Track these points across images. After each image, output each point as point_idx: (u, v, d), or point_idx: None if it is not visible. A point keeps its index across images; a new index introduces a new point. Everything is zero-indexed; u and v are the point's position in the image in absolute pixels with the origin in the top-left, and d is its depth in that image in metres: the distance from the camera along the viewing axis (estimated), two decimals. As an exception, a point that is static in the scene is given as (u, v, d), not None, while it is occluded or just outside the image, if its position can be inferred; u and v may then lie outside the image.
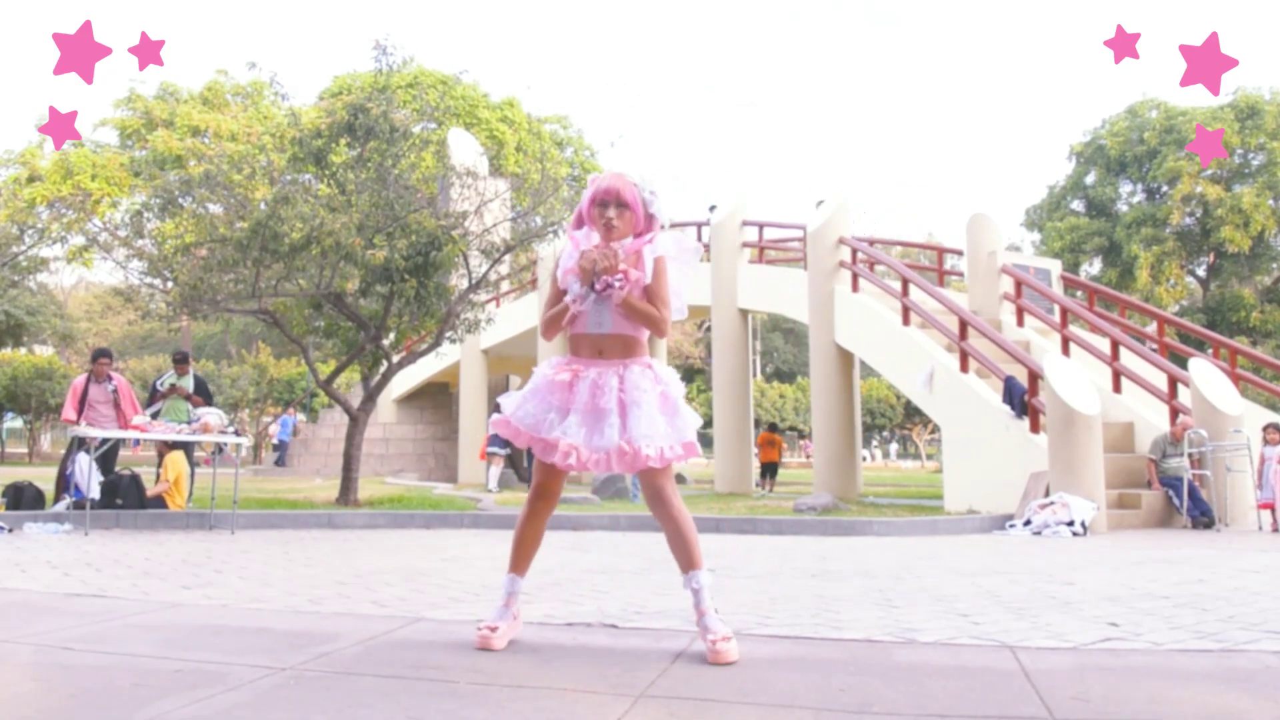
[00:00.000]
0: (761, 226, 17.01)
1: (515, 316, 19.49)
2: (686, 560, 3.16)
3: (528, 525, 3.28)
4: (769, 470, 18.41)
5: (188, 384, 10.32)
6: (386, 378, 11.41)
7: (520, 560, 3.29)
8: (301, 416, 35.29)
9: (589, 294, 3.12)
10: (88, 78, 6.10)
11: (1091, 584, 5.16)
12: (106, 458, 9.25)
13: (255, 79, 29.07)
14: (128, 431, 9.12)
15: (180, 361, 10.49)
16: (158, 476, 9.69)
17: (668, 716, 2.41)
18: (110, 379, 9.53)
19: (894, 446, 52.56)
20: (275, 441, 25.24)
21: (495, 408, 11.19)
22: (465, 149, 18.38)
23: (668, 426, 3.07)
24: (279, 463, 24.14)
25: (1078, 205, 33.82)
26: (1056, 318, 13.17)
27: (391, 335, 11.56)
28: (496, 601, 3.33)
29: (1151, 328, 14.01)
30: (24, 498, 9.03)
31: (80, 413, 9.30)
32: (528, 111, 33.67)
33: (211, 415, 9.06)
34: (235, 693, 2.57)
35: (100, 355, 9.71)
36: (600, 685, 2.72)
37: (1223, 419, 10.23)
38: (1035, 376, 10.43)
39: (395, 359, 11.35)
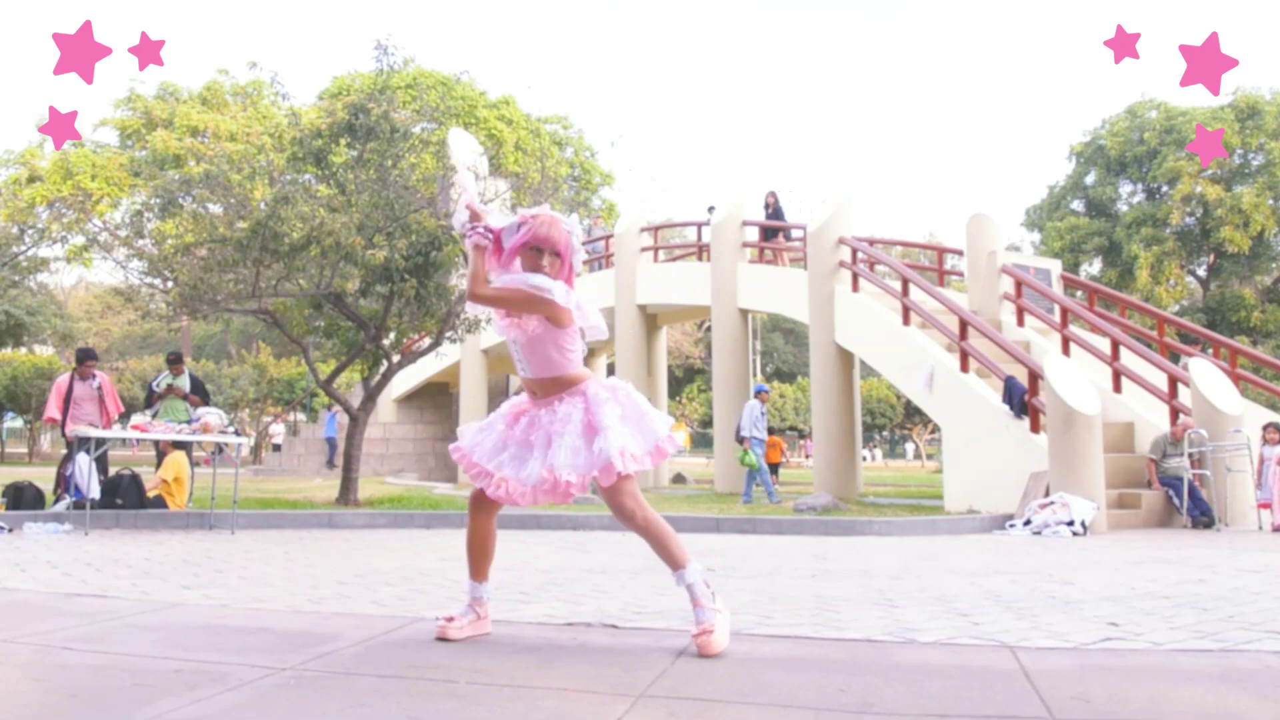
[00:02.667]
0: (762, 226, 17.01)
1: (515, 316, 19.46)
2: (670, 561, 3.21)
3: (475, 530, 3.41)
4: (772, 470, 18.49)
5: (184, 384, 10.32)
6: (386, 378, 11.41)
7: (478, 567, 3.42)
8: (302, 416, 35.30)
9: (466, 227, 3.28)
10: (88, 78, 6.11)
11: (1091, 584, 5.16)
12: (100, 456, 9.26)
13: (255, 79, 29.09)
14: (126, 431, 9.12)
15: (174, 362, 10.50)
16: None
17: (668, 716, 2.41)
18: (94, 376, 9.55)
19: (910, 447, 51.72)
20: (324, 439, 23.94)
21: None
22: (465, 149, 18.39)
23: (588, 451, 3.14)
24: (331, 464, 23.09)
25: (1078, 205, 33.80)
26: (1056, 318, 13.17)
27: (391, 335, 11.56)
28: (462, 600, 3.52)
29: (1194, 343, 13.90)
30: (24, 498, 9.03)
31: (65, 412, 9.30)
32: (526, 111, 33.65)
33: (211, 415, 9.06)
34: (235, 693, 2.57)
35: (87, 357, 9.73)
36: (600, 685, 2.72)
37: (1223, 419, 10.23)
38: (1035, 376, 10.43)
39: (395, 359, 11.35)
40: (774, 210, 17.30)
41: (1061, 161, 50.45)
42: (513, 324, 3.22)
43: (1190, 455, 10.08)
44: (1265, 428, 10.53)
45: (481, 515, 3.39)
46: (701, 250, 17.59)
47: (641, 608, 4.19)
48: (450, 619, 3.33)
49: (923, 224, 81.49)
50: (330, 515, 9.35)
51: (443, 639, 3.28)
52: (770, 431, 21.07)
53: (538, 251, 3.19)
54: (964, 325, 11.70)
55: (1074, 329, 13.27)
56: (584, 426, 3.17)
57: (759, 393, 13.78)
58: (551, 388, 3.25)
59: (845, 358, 14.09)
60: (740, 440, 13.17)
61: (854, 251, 13.89)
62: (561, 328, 3.19)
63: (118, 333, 44.79)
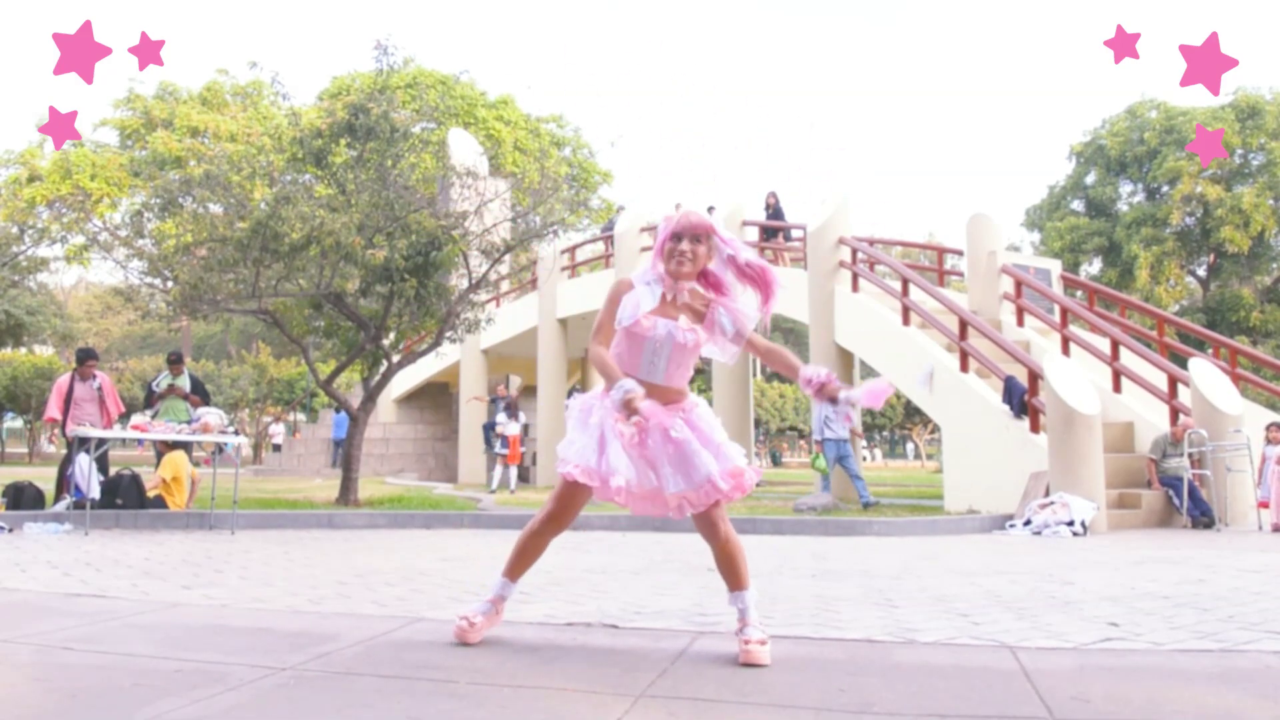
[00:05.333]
0: (762, 226, 17.01)
1: (515, 316, 19.48)
2: (734, 581, 3.20)
3: (536, 540, 3.32)
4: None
5: (184, 384, 10.32)
6: (386, 378, 11.41)
7: (518, 568, 3.35)
8: (302, 416, 35.29)
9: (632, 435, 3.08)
10: (88, 78, 6.11)
11: (1091, 584, 5.16)
12: (100, 456, 9.25)
13: (255, 79, 29.11)
14: (126, 432, 9.12)
15: (175, 362, 10.50)
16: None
17: (668, 716, 2.41)
18: (95, 377, 9.54)
19: (910, 447, 51.42)
20: (332, 439, 23.54)
21: (509, 407, 11.14)
22: (465, 149, 18.39)
23: (738, 453, 3.18)
24: (336, 464, 22.75)
25: (1078, 205, 33.79)
26: (1056, 318, 13.17)
27: (391, 335, 11.56)
28: (483, 596, 3.39)
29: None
30: (24, 498, 9.03)
31: (66, 412, 9.30)
32: (525, 111, 33.65)
33: (211, 415, 9.05)
34: (235, 693, 2.57)
35: (87, 357, 9.72)
36: (600, 685, 2.72)
37: (1223, 419, 10.23)
38: (1035, 376, 10.43)
39: (395, 359, 11.35)
40: (774, 210, 17.30)
41: (1061, 161, 50.50)
42: (702, 340, 3.21)
43: (1190, 455, 10.08)
44: (1268, 427, 10.54)
45: (558, 529, 3.31)
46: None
47: (641, 608, 4.19)
48: (473, 622, 3.25)
49: (923, 224, 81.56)
50: (330, 515, 9.35)
51: (462, 642, 3.21)
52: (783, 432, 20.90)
53: (677, 239, 3.16)
54: (964, 325, 11.70)
55: (1074, 329, 13.26)
56: (720, 430, 3.23)
57: None
58: (677, 395, 3.21)
59: (845, 358, 14.08)
60: (815, 444, 12.40)
61: (854, 251, 13.89)
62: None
63: (118, 333, 44.81)
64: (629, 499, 3.10)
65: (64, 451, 9.72)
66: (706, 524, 3.15)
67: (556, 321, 18.65)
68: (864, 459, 37.89)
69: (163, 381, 10.35)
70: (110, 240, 11.50)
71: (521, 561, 3.34)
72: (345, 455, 11.11)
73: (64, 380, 9.55)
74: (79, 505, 8.28)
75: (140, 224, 10.77)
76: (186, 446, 9.75)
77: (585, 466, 3.04)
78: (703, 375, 39.42)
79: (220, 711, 2.39)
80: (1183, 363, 11.45)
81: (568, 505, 3.21)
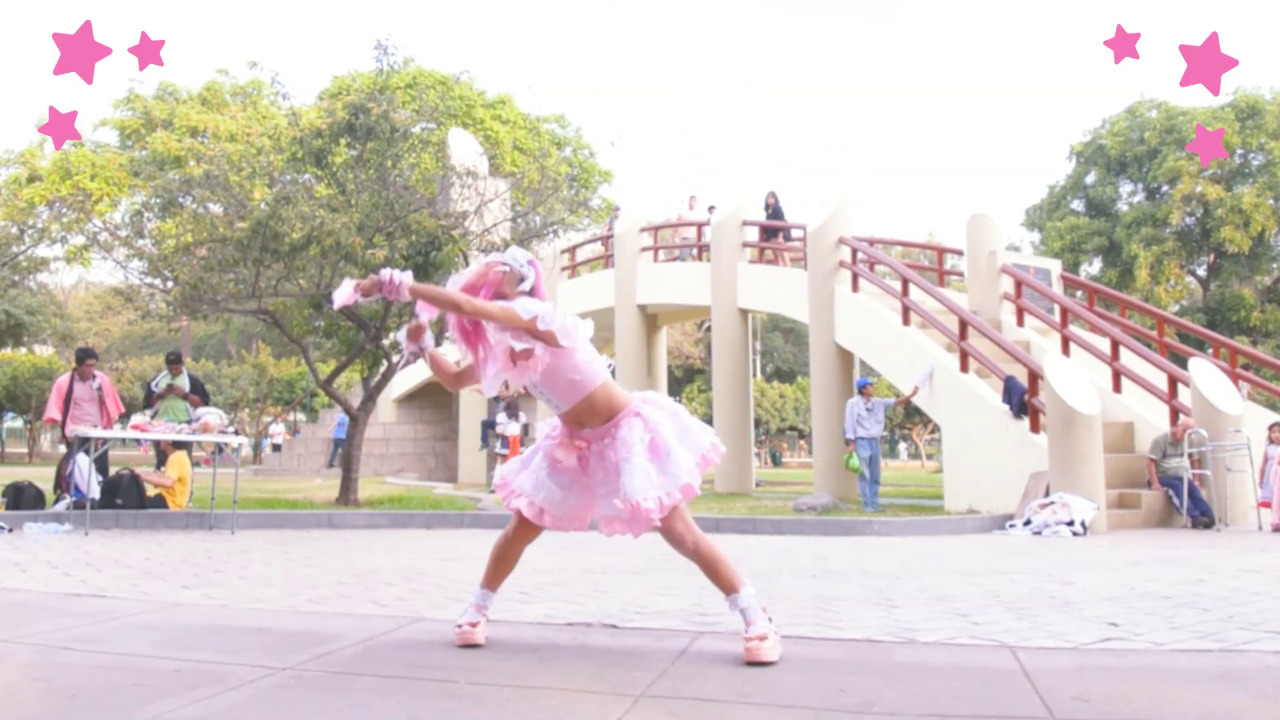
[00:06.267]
0: (762, 226, 17.01)
1: (515, 316, 19.42)
2: (722, 586, 3.20)
3: (510, 548, 3.37)
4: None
5: (183, 384, 10.32)
6: (386, 378, 11.41)
7: (496, 577, 3.39)
8: (302, 416, 35.29)
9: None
10: (88, 78, 6.12)
11: (1091, 584, 5.16)
12: (100, 456, 9.26)
13: (255, 79, 29.09)
14: (126, 431, 9.12)
15: (174, 362, 10.51)
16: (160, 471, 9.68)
17: (668, 716, 2.41)
18: (94, 377, 9.55)
19: (903, 447, 51.29)
20: (332, 439, 23.44)
21: (509, 407, 11.22)
22: (465, 149, 18.38)
23: (660, 474, 3.07)
24: (334, 464, 22.77)
25: (1078, 205, 33.77)
26: (1056, 318, 13.17)
27: (391, 335, 11.57)
28: (467, 604, 3.42)
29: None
30: (24, 498, 9.03)
31: (65, 412, 9.30)
32: (525, 110, 33.60)
33: (211, 415, 9.06)
34: (235, 693, 2.57)
35: (87, 356, 9.72)
36: (600, 685, 2.72)
37: (1223, 419, 10.23)
38: (1035, 376, 10.43)
39: (395, 359, 11.36)
40: (774, 210, 17.30)
41: (1061, 161, 50.40)
42: (522, 367, 3.17)
43: (1190, 455, 10.08)
44: (1271, 427, 10.54)
45: (526, 537, 3.35)
46: (701, 250, 17.60)
47: (641, 608, 4.19)
48: (474, 624, 3.28)
49: (923, 224, 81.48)
50: (330, 515, 9.35)
51: (470, 645, 3.22)
52: (784, 431, 20.82)
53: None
54: (964, 325, 11.70)
55: (1074, 329, 13.27)
56: (649, 448, 3.11)
57: (860, 388, 11.97)
58: (595, 413, 3.18)
59: (845, 358, 14.08)
60: (847, 443, 11.79)
61: (854, 251, 13.89)
62: (558, 347, 3.13)
63: (118, 333, 44.76)
64: (551, 521, 3.25)
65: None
66: (671, 537, 3.16)
67: (556, 321, 18.60)
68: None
69: (162, 381, 10.35)
70: (110, 240, 11.51)
71: (499, 571, 3.38)
72: (345, 455, 11.12)
73: (64, 380, 9.56)
74: (79, 505, 8.28)
75: (140, 224, 10.78)
76: (186, 446, 9.75)
77: (530, 503, 3.28)
78: (703, 376, 39.58)
79: (220, 711, 2.39)
80: (1183, 363, 11.45)
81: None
